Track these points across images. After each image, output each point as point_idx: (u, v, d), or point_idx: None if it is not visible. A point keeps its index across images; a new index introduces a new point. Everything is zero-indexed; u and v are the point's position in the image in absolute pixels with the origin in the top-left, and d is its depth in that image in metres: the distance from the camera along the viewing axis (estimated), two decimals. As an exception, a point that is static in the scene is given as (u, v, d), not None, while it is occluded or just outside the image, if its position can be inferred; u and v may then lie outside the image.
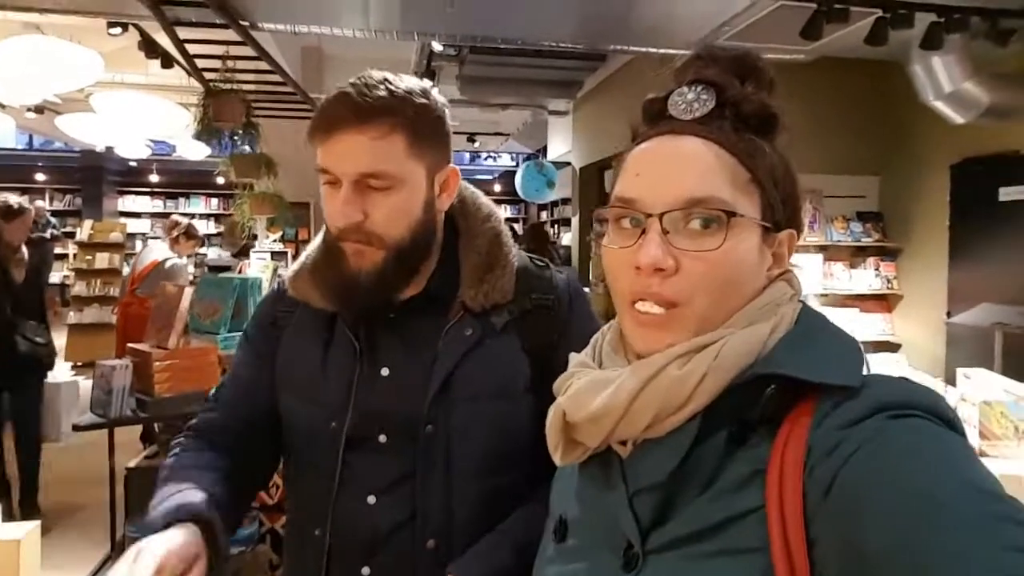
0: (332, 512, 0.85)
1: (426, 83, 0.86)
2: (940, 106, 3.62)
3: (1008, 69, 3.58)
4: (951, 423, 0.47)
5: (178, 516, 0.74)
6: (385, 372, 0.87)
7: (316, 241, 0.94)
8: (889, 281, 4.65)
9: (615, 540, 0.56)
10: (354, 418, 0.85)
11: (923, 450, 0.44)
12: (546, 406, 0.85)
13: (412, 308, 0.88)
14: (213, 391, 1.00)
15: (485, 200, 0.97)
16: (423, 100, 0.83)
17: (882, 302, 4.69)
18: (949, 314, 4.08)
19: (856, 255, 4.58)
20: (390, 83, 0.81)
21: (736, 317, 0.55)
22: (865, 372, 0.52)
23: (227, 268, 5.18)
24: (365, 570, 0.83)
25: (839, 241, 4.43)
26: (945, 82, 3.48)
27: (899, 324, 4.67)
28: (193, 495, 0.78)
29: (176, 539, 0.70)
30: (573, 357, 0.64)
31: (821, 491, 0.46)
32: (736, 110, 0.56)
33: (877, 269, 4.59)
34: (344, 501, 0.85)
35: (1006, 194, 3.81)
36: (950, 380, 2.11)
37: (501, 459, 0.85)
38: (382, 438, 0.85)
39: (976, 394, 1.74)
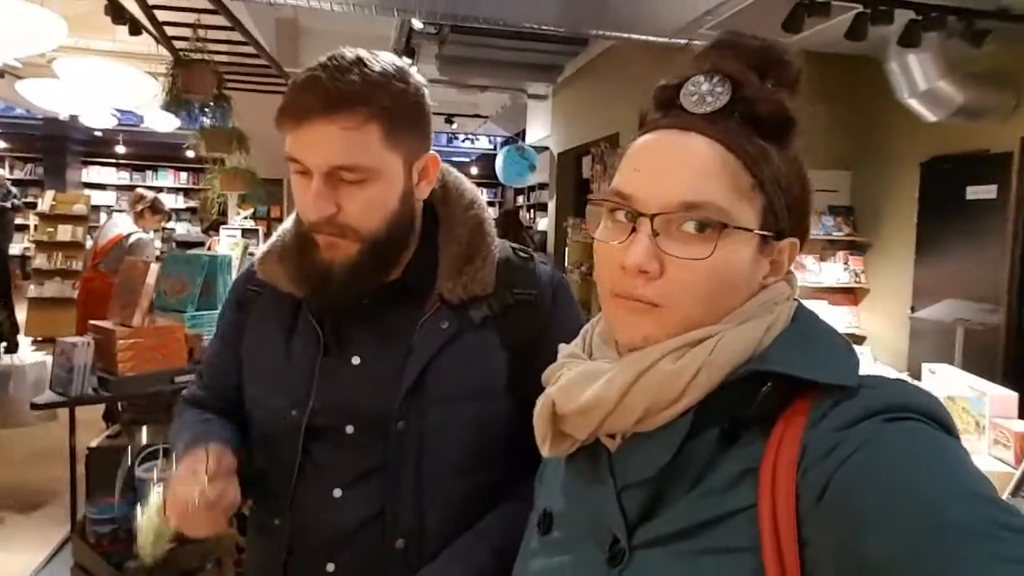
0: (292, 502, 0.82)
1: (404, 63, 0.81)
2: (914, 104, 3.68)
3: (980, 69, 3.64)
4: (947, 426, 0.47)
5: (211, 441, 0.80)
6: (356, 361, 0.83)
7: (289, 222, 0.90)
8: (857, 275, 4.74)
9: (601, 534, 0.55)
10: (316, 408, 0.82)
11: (921, 455, 0.43)
12: (526, 404, 0.83)
13: (387, 297, 0.84)
14: (202, 365, 1.02)
15: (469, 186, 0.93)
16: (400, 84, 0.77)
17: (849, 295, 4.78)
18: (913, 309, 4.17)
19: (826, 248, 4.66)
20: (364, 65, 0.75)
21: (734, 313, 0.54)
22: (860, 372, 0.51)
23: (196, 244, 5.06)
24: (330, 567, 0.81)
25: (812, 234, 4.48)
26: (920, 80, 3.54)
27: (865, 317, 4.78)
28: (216, 433, 0.85)
29: (222, 450, 0.78)
30: (563, 348, 0.63)
31: (815, 493, 0.45)
32: (750, 109, 0.54)
33: (846, 263, 4.68)
34: (306, 493, 0.82)
35: (973, 193, 3.89)
36: (914, 374, 2.16)
37: (477, 458, 0.83)
38: (349, 429, 0.82)
39: (940, 389, 1.78)
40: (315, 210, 0.76)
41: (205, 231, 5.75)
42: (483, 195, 0.95)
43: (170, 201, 9.95)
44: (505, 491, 0.84)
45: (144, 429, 2.46)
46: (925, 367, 1.95)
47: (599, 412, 0.53)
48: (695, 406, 0.52)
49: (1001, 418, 1.64)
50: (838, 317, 4.61)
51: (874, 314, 4.72)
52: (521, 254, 0.91)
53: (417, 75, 0.82)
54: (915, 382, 2.00)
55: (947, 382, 1.79)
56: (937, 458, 0.43)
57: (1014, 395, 1.68)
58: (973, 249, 3.85)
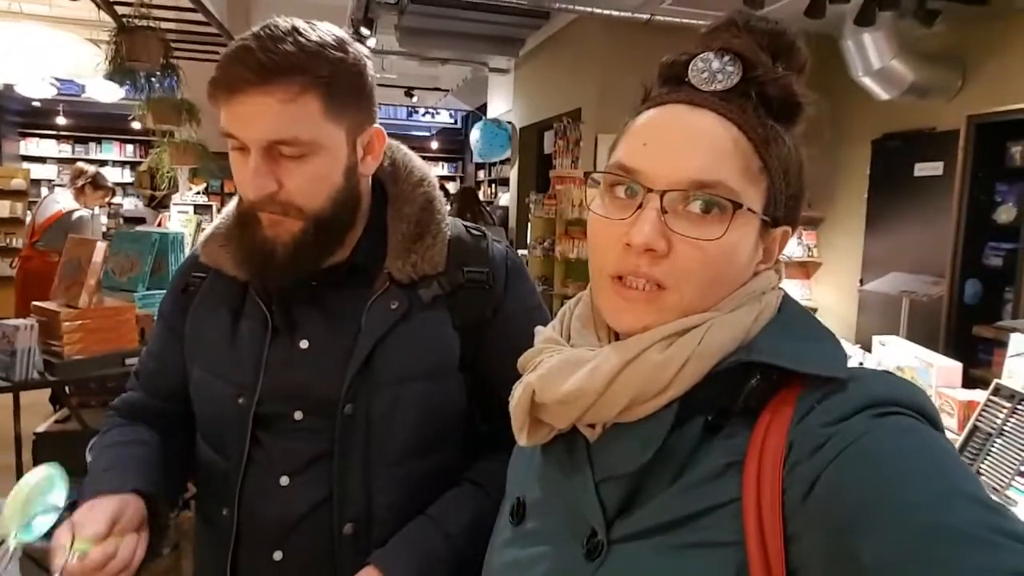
0: (240, 493, 0.80)
1: (342, 33, 0.77)
2: (868, 82, 3.76)
3: (930, 49, 3.74)
4: (933, 420, 0.47)
5: (121, 487, 0.75)
6: (304, 345, 0.80)
7: (231, 204, 0.86)
8: (810, 249, 4.87)
9: (578, 526, 0.54)
10: (264, 394, 0.79)
11: (913, 455, 0.43)
12: (477, 384, 0.83)
13: (335, 278, 0.81)
14: (134, 368, 0.96)
15: (419, 163, 0.90)
16: (338, 54, 0.73)
17: (802, 268, 4.93)
18: (862, 282, 4.33)
19: (782, 224, 4.76)
20: (300, 34, 0.71)
21: (721, 303, 0.52)
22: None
23: (144, 220, 4.87)
24: (277, 555, 0.79)
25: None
26: (874, 58, 3.61)
27: (816, 290, 4.93)
28: (130, 469, 0.79)
29: (126, 501, 0.73)
30: (539, 331, 0.60)
31: (803, 489, 0.44)
32: (761, 90, 0.52)
33: (800, 237, 4.80)
34: (253, 482, 0.80)
35: (920, 169, 4.03)
36: (863, 345, 2.24)
37: (427, 442, 0.81)
38: (297, 415, 0.80)
39: (890, 360, 1.85)
40: (255, 188, 0.72)
41: (151, 207, 5.52)
42: (443, 169, 0.92)
43: (115, 175, 9.50)
44: (456, 475, 0.83)
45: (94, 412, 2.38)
46: (875, 339, 2.02)
47: (582, 402, 0.51)
48: (680, 397, 0.50)
49: (946, 387, 1.72)
50: (792, 290, 4.68)
51: (825, 287, 4.87)
52: (474, 232, 0.88)
53: (358, 45, 0.78)
54: (867, 354, 2.08)
55: (896, 354, 1.86)
56: (929, 458, 0.43)
57: (958, 366, 1.76)
58: (920, 224, 4.00)
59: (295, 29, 0.72)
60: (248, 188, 0.73)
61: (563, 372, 0.52)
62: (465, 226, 0.89)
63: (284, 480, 0.79)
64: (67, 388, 2.59)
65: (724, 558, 0.46)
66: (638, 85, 0.58)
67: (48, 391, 3.67)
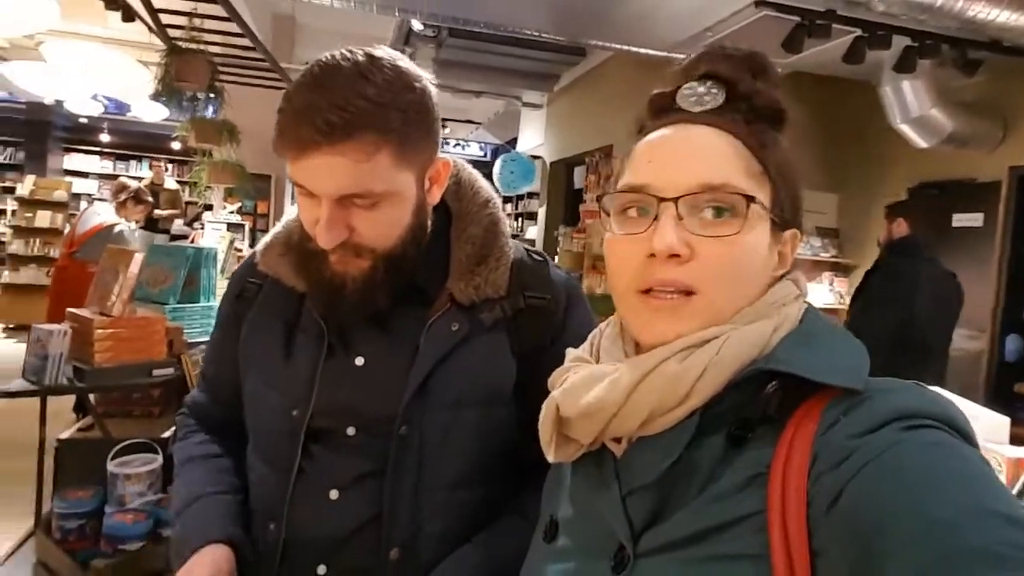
0: (288, 507, 0.78)
1: (403, 61, 0.73)
2: (906, 129, 3.73)
3: (970, 99, 3.71)
4: (966, 434, 0.45)
5: (209, 537, 0.76)
6: (360, 362, 0.79)
7: (291, 213, 0.85)
8: (842, 296, 4.79)
9: (606, 541, 0.54)
10: (318, 409, 0.78)
11: (942, 470, 0.41)
12: (533, 412, 0.81)
13: (395, 296, 0.79)
14: (202, 364, 0.99)
15: (484, 184, 0.88)
16: (407, 96, 0.70)
17: (832, 316, 4.83)
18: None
19: (812, 269, 4.70)
20: (365, 78, 0.67)
21: (741, 314, 0.53)
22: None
23: (179, 237, 4.96)
24: (321, 569, 0.77)
25: (798, 254, 4.52)
26: (913, 106, 3.59)
27: (849, 339, 4.81)
28: (216, 508, 0.81)
29: (221, 556, 0.74)
30: (570, 352, 0.61)
31: (827, 500, 0.43)
32: (747, 103, 0.56)
33: (831, 284, 4.73)
34: (302, 495, 0.78)
35: (959, 220, 3.95)
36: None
37: (479, 468, 0.79)
38: (350, 431, 0.78)
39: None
40: (328, 239, 0.71)
41: (188, 224, 5.64)
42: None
43: (154, 192, 9.75)
44: (503, 506, 0.81)
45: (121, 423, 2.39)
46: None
47: (603, 415, 0.52)
48: (701, 408, 0.50)
49: (992, 443, 1.64)
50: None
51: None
52: (535, 256, 0.87)
53: (419, 71, 0.75)
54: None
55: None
56: (959, 473, 0.41)
57: (1006, 420, 1.68)
58: (959, 276, 3.90)
59: (360, 73, 0.68)
60: (321, 237, 0.71)
61: (585, 386, 0.54)
62: (527, 250, 0.88)
63: (334, 493, 0.77)
64: (92, 397, 2.61)
65: (749, 571, 0.45)
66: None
67: (72, 400, 3.71)
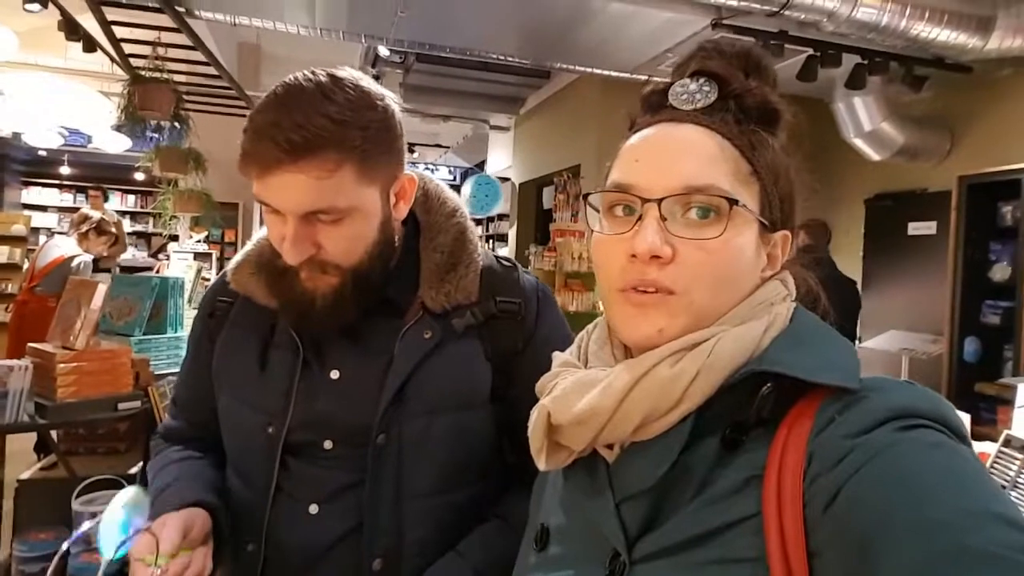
0: (267, 524, 0.77)
1: (366, 81, 0.74)
2: (859, 143, 3.87)
3: (919, 113, 3.87)
4: (960, 433, 0.45)
5: (185, 501, 0.75)
6: (335, 375, 0.80)
7: (261, 233, 0.86)
8: (807, 307, 4.89)
9: (601, 549, 0.53)
10: (294, 424, 0.78)
11: (938, 471, 0.42)
12: (508, 416, 0.82)
13: (367, 309, 0.80)
14: (172, 394, 0.98)
15: (451, 194, 0.90)
16: (368, 114, 0.71)
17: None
18: (860, 339, 4.33)
19: (778, 280, 4.80)
20: (327, 98, 0.68)
21: (729, 315, 0.52)
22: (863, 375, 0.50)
23: (142, 269, 4.85)
24: None
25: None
26: (865, 121, 3.73)
27: (816, 348, 4.91)
28: (197, 480, 0.81)
29: (194, 514, 0.73)
30: (557, 356, 0.61)
31: (824, 501, 0.43)
32: (739, 102, 0.55)
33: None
34: (281, 511, 0.78)
35: (914, 229, 4.10)
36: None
37: (458, 474, 0.80)
38: (327, 444, 0.78)
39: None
40: (294, 255, 0.72)
41: (152, 255, 5.54)
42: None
43: (117, 224, 9.54)
44: (484, 509, 0.82)
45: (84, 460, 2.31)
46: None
47: (596, 422, 0.50)
48: (694, 412, 0.50)
49: (955, 441, 1.69)
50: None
51: (824, 345, 4.86)
52: (504, 263, 0.88)
53: (383, 90, 0.76)
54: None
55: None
56: (955, 475, 0.41)
57: (966, 417, 1.74)
58: (916, 282, 4.04)
59: (321, 92, 0.69)
60: (287, 253, 0.72)
61: (576, 392, 0.52)
62: (496, 256, 0.89)
63: (313, 508, 0.77)
64: (55, 433, 2.53)
65: (747, 574, 0.45)
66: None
67: (33, 439, 3.58)
